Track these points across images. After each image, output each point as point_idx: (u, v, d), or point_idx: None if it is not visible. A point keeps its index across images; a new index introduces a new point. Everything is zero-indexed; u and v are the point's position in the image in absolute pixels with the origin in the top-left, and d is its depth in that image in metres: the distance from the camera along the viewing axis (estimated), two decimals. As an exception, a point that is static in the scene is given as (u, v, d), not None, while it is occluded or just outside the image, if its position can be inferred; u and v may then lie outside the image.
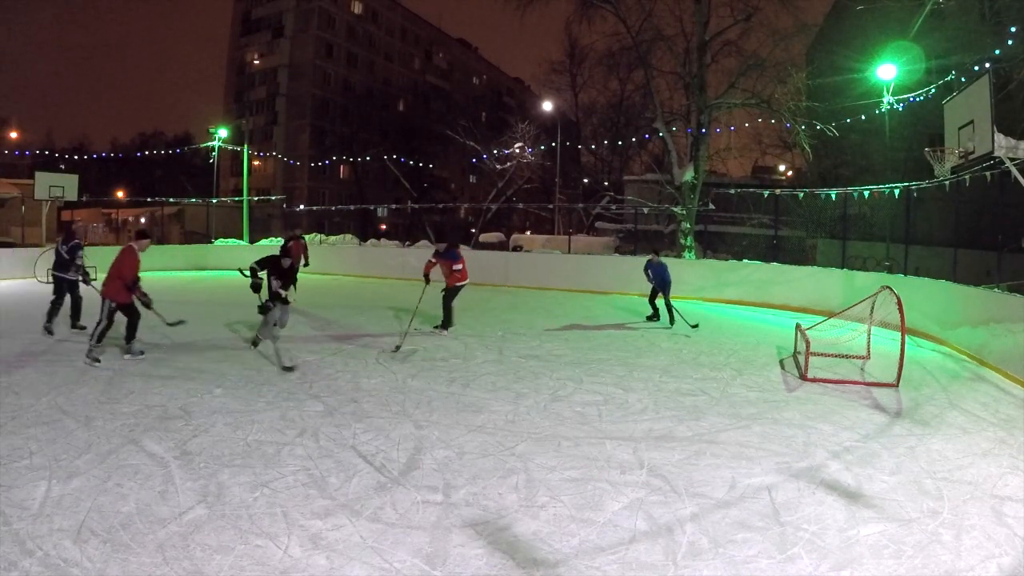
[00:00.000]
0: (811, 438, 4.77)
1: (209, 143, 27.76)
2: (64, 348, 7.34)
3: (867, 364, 7.42)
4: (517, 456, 4.26)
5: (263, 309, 6.99)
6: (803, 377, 6.68)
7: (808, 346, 6.84)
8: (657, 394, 5.95)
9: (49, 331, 8.14)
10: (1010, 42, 14.46)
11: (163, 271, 18.77)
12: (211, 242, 22.01)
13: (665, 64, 19.95)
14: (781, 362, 7.58)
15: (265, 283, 7.07)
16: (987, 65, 11.06)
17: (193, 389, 5.69)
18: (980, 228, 14.69)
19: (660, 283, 10.11)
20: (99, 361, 6.56)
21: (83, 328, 8.22)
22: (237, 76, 50.98)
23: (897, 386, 6.37)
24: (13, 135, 37.80)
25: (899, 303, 6.49)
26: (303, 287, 10.67)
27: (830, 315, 8.55)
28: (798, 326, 7.80)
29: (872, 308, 7.47)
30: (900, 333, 6.46)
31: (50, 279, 8.41)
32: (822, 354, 7.21)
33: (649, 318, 10.49)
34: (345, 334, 8.69)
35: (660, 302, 10.30)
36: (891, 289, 6.94)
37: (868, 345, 7.64)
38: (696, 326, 9.85)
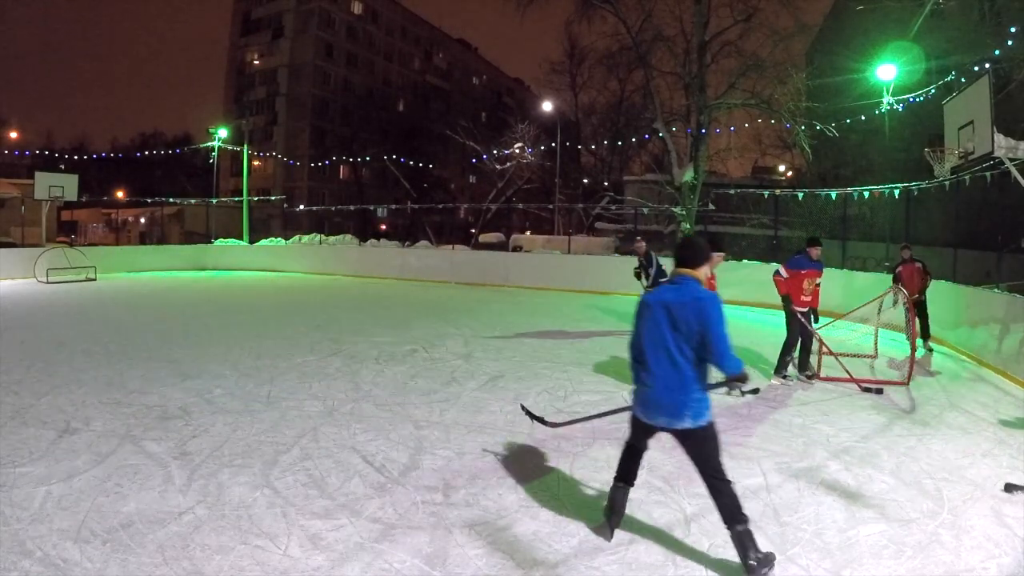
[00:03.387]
0: (811, 438, 4.77)
1: (209, 143, 27.78)
2: (64, 348, 7.33)
3: (874, 363, 7.43)
4: (517, 457, 4.25)
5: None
6: (811, 377, 6.66)
7: (822, 345, 6.82)
8: (657, 394, 5.94)
9: None
10: (1010, 42, 14.45)
11: (163, 271, 18.83)
12: (211, 242, 22.02)
13: (665, 64, 19.94)
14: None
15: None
16: (987, 65, 11.06)
17: (193, 389, 5.69)
18: (980, 228, 14.68)
19: None
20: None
21: None
22: (237, 76, 50.98)
23: (908, 384, 6.40)
24: (13, 135, 37.85)
25: (908, 300, 6.51)
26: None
27: (829, 315, 8.54)
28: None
29: (880, 308, 7.49)
30: (906, 333, 6.48)
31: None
32: (832, 353, 7.21)
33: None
34: (345, 334, 8.69)
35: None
36: (900, 287, 6.94)
37: (875, 344, 7.65)
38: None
